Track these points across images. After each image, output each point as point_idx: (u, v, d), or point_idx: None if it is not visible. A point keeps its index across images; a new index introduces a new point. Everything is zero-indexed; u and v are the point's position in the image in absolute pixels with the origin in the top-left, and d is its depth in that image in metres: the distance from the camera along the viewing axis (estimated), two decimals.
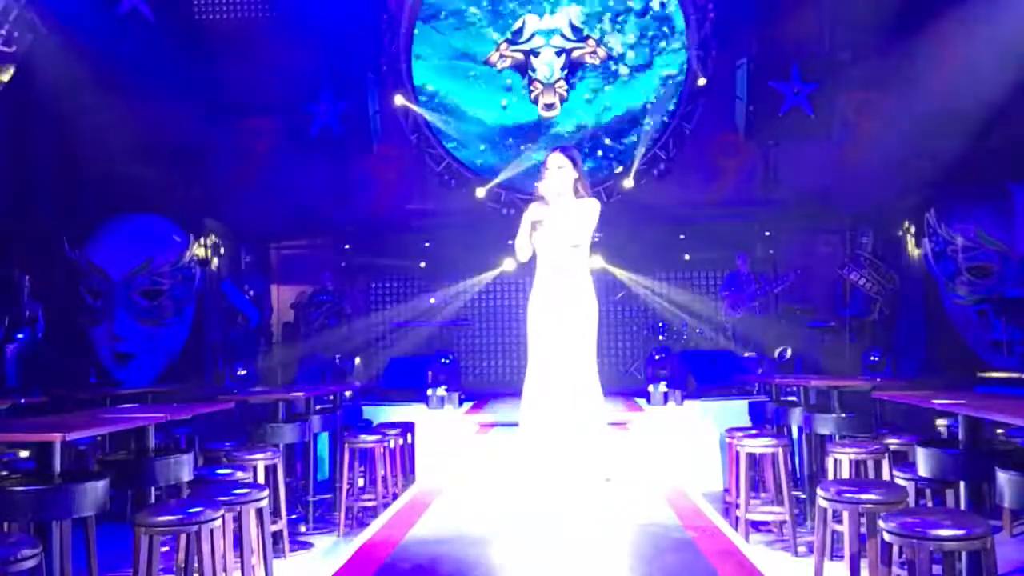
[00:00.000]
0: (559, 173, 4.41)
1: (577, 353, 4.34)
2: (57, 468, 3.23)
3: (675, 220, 10.87)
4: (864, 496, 3.52)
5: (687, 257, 11.27)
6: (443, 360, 8.60)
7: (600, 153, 11.02)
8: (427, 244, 11.34)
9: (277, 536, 5.00)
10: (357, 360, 9.97)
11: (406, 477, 6.33)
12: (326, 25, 10.48)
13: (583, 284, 4.40)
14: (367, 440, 5.86)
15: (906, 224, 9.43)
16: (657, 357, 8.45)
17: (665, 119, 10.84)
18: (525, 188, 10.08)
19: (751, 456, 5.46)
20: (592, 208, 4.41)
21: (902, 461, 4.63)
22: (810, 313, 9.92)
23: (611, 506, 4.11)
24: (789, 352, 8.85)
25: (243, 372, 9.29)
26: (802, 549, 5.09)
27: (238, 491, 3.92)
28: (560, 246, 4.37)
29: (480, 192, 10.61)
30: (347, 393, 7.28)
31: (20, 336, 8.75)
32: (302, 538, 5.65)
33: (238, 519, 3.83)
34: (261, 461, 4.95)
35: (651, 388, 7.56)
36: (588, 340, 4.38)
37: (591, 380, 4.36)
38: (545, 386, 4.33)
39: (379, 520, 4.16)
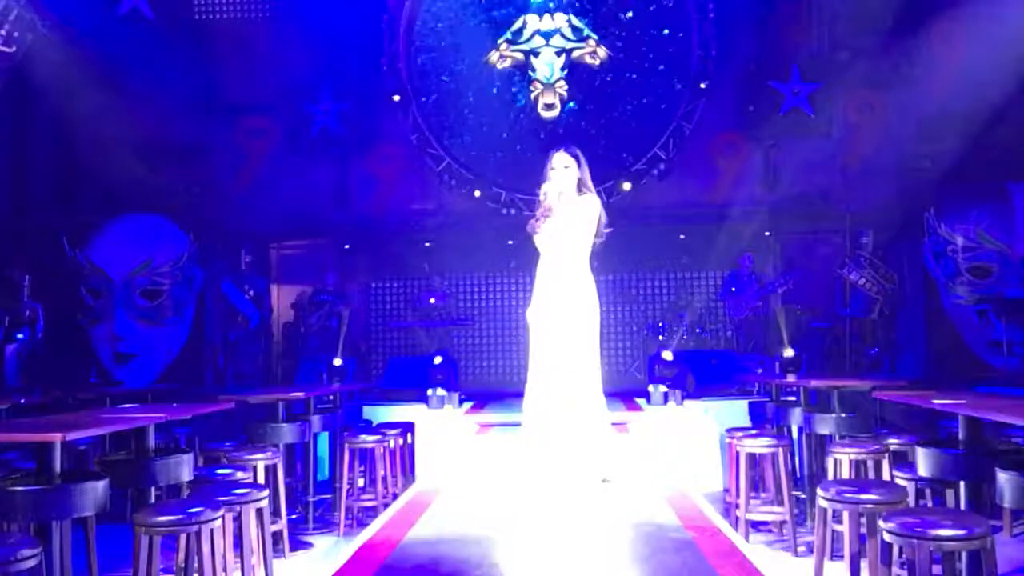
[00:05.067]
0: (565, 173, 4.41)
1: (578, 354, 4.33)
2: (57, 468, 3.23)
3: (675, 220, 10.87)
4: (864, 496, 3.52)
5: (687, 257, 11.27)
6: (439, 360, 8.59)
7: None
8: (427, 244, 11.34)
9: (277, 536, 5.00)
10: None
11: (406, 477, 6.33)
12: (326, 25, 10.48)
13: (585, 284, 4.39)
14: (367, 440, 5.86)
15: (906, 224, 9.43)
16: (666, 356, 8.41)
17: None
18: (525, 188, 10.11)
19: (751, 456, 5.46)
20: (592, 205, 4.41)
21: (902, 461, 4.63)
22: (811, 313, 9.92)
23: (611, 506, 4.11)
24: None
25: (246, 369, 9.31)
26: (802, 549, 5.09)
27: (238, 491, 3.92)
28: (562, 247, 4.37)
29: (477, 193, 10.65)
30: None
31: (20, 336, 8.76)
32: (302, 538, 5.65)
33: (238, 519, 3.83)
34: (261, 461, 4.94)
35: (651, 388, 7.55)
36: (590, 341, 4.37)
37: (593, 381, 4.35)
38: (547, 388, 4.33)
39: (379, 520, 4.16)
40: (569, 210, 4.39)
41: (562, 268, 4.39)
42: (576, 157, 4.46)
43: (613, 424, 6.91)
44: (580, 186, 4.46)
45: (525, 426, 4.42)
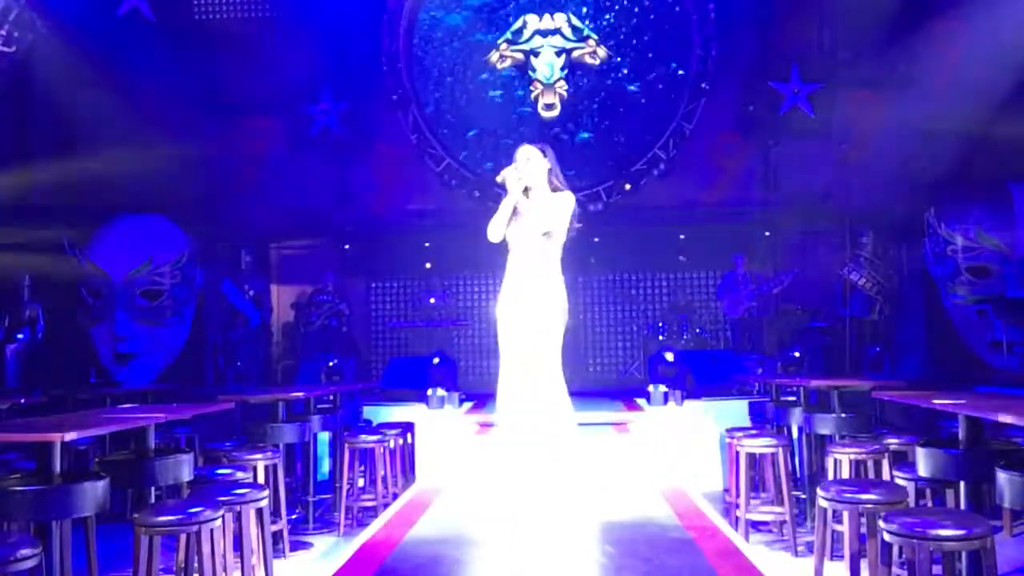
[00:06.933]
0: (527, 165, 4.41)
1: (541, 348, 4.29)
2: (57, 468, 3.23)
3: (675, 220, 10.87)
4: (864, 496, 3.52)
5: (687, 257, 11.28)
6: (437, 360, 8.59)
7: None
8: (427, 244, 11.35)
9: (277, 536, 5.00)
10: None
11: (406, 477, 6.33)
12: (326, 25, 10.49)
13: (552, 278, 4.35)
14: (367, 440, 5.86)
15: (906, 224, 9.43)
16: (668, 357, 8.38)
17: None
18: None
19: (751, 456, 5.46)
20: (567, 200, 4.39)
21: (902, 461, 4.63)
22: (810, 313, 9.92)
23: (611, 506, 4.11)
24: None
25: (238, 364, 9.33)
26: (802, 549, 5.09)
27: (238, 491, 3.92)
28: (532, 236, 4.34)
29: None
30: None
31: (20, 336, 8.76)
32: (302, 538, 5.65)
33: (238, 519, 3.83)
34: (261, 461, 4.94)
35: (651, 388, 7.55)
36: (552, 335, 4.32)
37: (556, 375, 4.32)
38: (515, 381, 4.30)
39: (379, 520, 4.16)
40: (542, 207, 4.37)
41: (532, 265, 4.37)
42: (542, 150, 4.45)
43: (613, 424, 6.96)
44: (551, 180, 4.45)
45: (498, 424, 4.42)
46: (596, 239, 10.66)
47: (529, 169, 4.39)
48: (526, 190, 4.43)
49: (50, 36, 9.13)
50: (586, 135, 10.94)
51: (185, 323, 9.68)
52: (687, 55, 10.85)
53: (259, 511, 4.02)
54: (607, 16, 10.95)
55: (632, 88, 10.98)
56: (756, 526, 5.56)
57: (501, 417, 4.38)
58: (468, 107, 11.07)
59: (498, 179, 4.48)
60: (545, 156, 4.44)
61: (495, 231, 4.41)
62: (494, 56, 10.91)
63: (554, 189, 4.44)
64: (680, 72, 10.86)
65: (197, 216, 9.76)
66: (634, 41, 10.96)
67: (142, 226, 9.57)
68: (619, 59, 10.92)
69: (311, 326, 10.29)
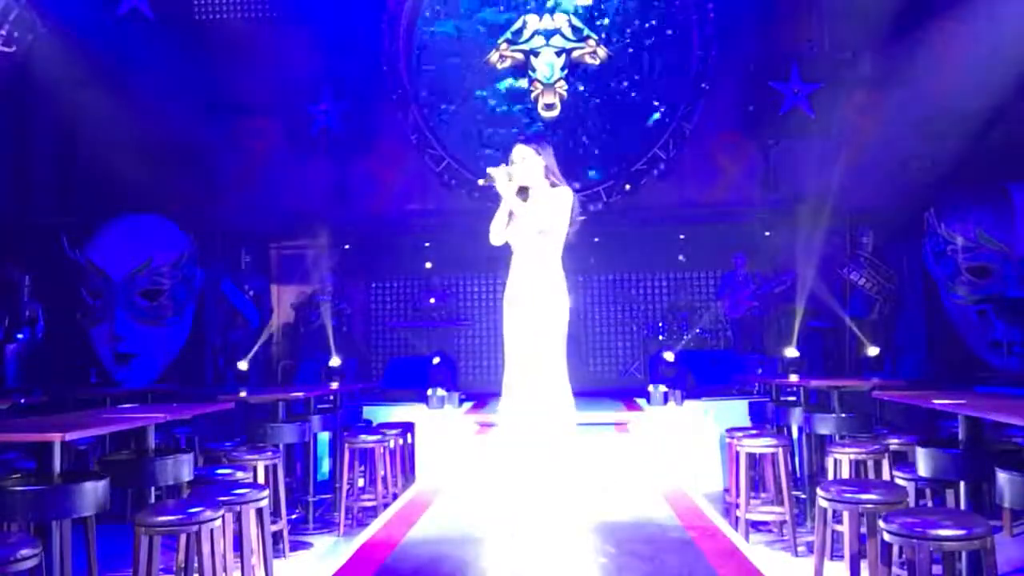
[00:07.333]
0: (522, 165, 4.38)
1: (539, 349, 4.26)
2: (57, 468, 3.23)
3: (675, 220, 10.87)
4: (864, 496, 3.52)
5: (687, 257, 11.28)
6: (437, 360, 8.59)
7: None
8: (427, 244, 11.34)
9: (277, 536, 5.00)
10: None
11: (406, 477, 6.33)
12: (326, 25, 10.48)
13: (550, 277, 4.31)
14: (367, 440, 5.86)
15: (906, 224, 9.43)
16: (668, 357, 8.37)
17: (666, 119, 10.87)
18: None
19: (751, 456, 5.46)
20: (563, 196, 4.34)
21: (902, 461, 4.63)
22: (810, 313, 9.92)
23: (611, 506, 4.11)
24: None
25: (243, 367, 9.32)
26: (802, 549, 5.10)
27: (238, 491, 3.92)
28: (528, 236, 4.32)
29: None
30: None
31: (20, 336, 8.76)
32: (302, 538, 5.65)
33: (238, 519, 3.83)
34: (261, 461, 4.94)
35: (651, 388, 7.55)
36: (551, 335, 4.28)
37: (557, 375, 4.28)
38: (516, 382, 4.29)
39: (379, 520, 4.15)
40: (539, 206, 4.35)
41: (530, 265, 4.35)
42: (535, 149, 4.41)
43: (613, 424, 6.96)
44: (549, 176, 4.41)
45: (500, 424, 4.41)
46: (596, 239, 10.65)
47: (523, 169, 4.36)
48: (525, 189, 4.41)
49: (50, 36, 9.14)
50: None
51: (185, 323, 9.68)
52: (687, 55, 10.83)
53: (259, 511, 4.03)
54: (610, 28, 10.94)
55: (632, 88, 10.97)
56: (756, 526, 5.56)
57: (502, 417, 4.39)
58: (467, 107, 11.05)
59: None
60: (540, 154, 4.39)
61: (494, 234, 4.40)
62: (494, 56, 10.90)
63: (552, 185, 4.41)
64: (679, 76, 10.87)
65: (197, 216, 9.75)
66: (634, 39, 10.95)
67: (142, 226, 9.57)
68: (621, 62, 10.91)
69: (311, 326, 10.29)
